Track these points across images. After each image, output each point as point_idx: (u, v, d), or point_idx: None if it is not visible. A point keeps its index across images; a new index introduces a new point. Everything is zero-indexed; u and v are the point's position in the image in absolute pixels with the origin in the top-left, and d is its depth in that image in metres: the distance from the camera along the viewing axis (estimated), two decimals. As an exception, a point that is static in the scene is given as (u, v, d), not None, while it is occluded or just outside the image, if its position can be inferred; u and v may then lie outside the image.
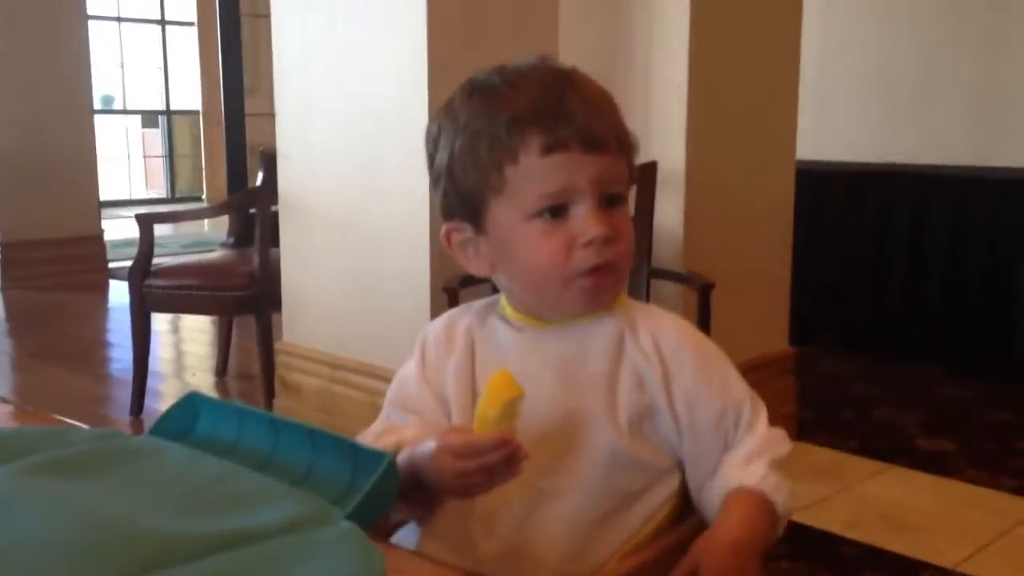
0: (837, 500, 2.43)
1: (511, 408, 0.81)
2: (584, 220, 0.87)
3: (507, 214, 0.90)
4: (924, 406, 3.19)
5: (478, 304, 1.01)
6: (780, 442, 0.93)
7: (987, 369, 3.47)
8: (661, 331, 0.94)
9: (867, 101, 4.27)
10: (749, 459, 0.91)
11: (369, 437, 0.94)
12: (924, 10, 4.10)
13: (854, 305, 3.85)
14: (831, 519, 2.29)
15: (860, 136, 4.25)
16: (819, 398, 3.20)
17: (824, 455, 2.73)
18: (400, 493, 0.79)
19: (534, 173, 0.87)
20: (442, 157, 0.92)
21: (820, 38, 4.14)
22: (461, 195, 0.92)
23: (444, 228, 0.95)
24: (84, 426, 0.84)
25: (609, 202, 0.89)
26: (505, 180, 0.88)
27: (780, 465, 0.91)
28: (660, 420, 0.92)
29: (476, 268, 0.96)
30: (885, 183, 3.79)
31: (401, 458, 0.85)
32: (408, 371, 0.99)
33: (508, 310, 0.97)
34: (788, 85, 2.83)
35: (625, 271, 0.93)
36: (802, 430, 2.85)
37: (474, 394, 0.93)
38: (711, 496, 0.91)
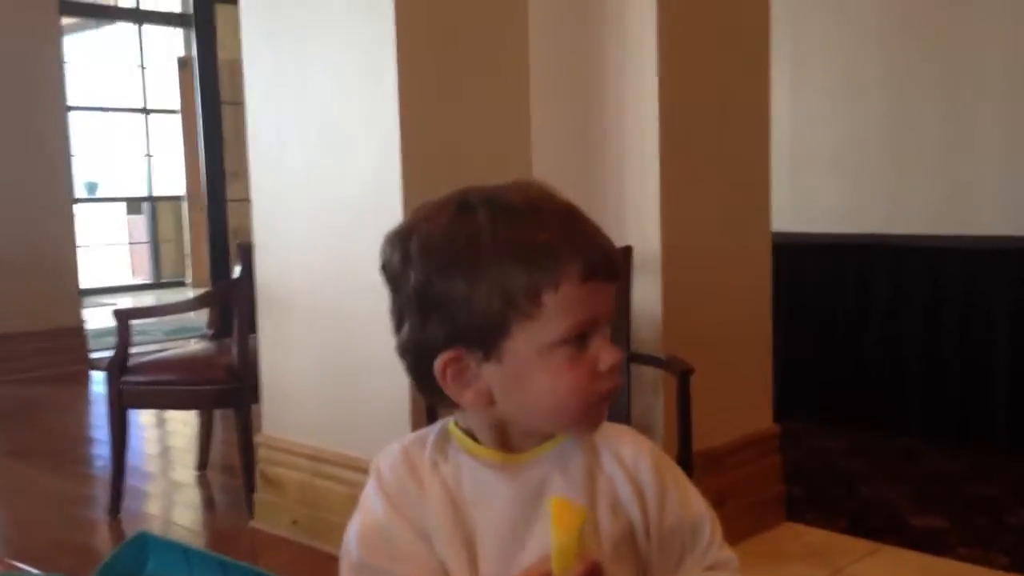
0: (829, 583, 2.39)
1: (583, 532, 0.81)
2: (601, 347, 0.87)
3: (531, 341, 0.86)
4: (912, 481, 3.15)
5: (429, 437, 0.96)
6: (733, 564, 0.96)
7: (970, 441, 3.44)
8: (619, 446, 0.96)
9: (839, 173, 4.32)
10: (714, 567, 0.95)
11: None
12: (889, 84, 4.16)
13: (835, 378, 3.83)
14: (823, 604, 2.25)
15: (835, 207, 4.29)
16: (805, 475, 3.16)
17: (814, 535, 2.68)
18: None
19: (572, 300, 0.85)
20: (450, 286, 0.86)
21: (792, 112, 4.21)
22: (476, 322, 0.86)
23: (444, 357, 0.88)
24: (34, 571, 0.82)
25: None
26: (541, 306, 0.85)
27: None
28: (636, 535, 0.93)
29: (472, 399, 0.89)
30: (861, 253, 3.81)
31: None
32: (373, 517, 0.92)
33: (469, 443, 0.93)
34: (760, 159, 2.81)
35: None
36: (790, 509, 2.81)
37: (468, 546, 0.90)
38: None
